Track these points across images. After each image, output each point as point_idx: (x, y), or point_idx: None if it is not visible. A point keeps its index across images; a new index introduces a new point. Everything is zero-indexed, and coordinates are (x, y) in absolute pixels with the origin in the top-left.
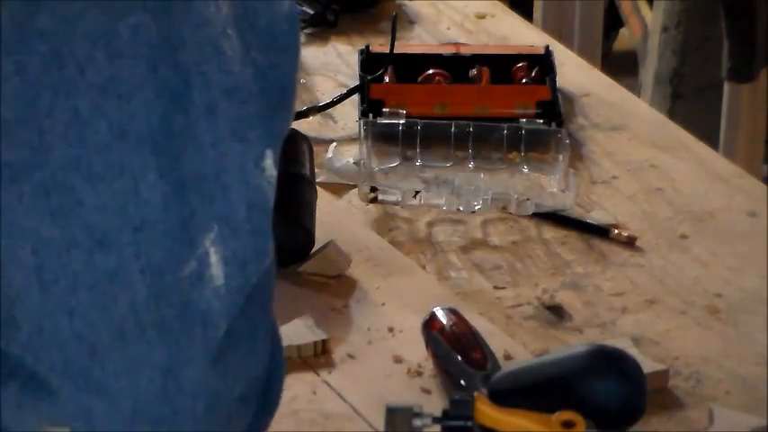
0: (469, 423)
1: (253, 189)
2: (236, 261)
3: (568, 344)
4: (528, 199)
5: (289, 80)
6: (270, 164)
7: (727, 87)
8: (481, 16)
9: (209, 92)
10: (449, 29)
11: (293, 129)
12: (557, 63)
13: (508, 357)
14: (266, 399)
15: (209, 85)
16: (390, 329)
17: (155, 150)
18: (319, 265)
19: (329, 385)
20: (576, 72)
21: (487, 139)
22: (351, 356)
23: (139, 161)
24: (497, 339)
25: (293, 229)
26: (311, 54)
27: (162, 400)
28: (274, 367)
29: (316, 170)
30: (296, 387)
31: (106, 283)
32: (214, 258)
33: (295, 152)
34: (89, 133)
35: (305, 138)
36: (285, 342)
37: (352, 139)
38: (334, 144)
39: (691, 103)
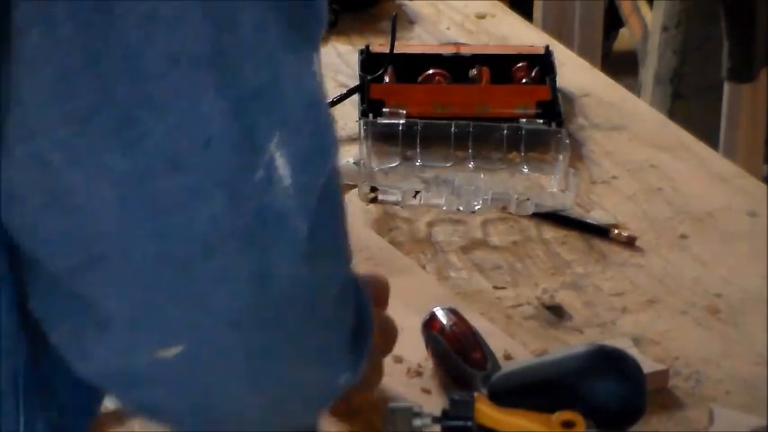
0: (469, 423)
1: (308, 92)
2: (301, 160)
3: (568, 344)
4: (528, 199)
5: None
6: (318, 66)
7: (727, 87)
8: (481, 16)
9: (256, 7)
10: (449, 29)
11: None
12: (557, 63)
13: (508, 357)
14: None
15: (256, 6)
16: None
17: (210, 71)
18: None
19: None
20: (576, 72)
21: (487, 139)
22: None
23: (196, 83)
24: (497, 339)
25: None
26: None
27: (260, 304)
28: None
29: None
30: None
31: (185, 203)
32: (280, 162)
33: None
34: (144, 64)
35: None
36: None
37: (352, 139)
38: None
39: (691, 103)
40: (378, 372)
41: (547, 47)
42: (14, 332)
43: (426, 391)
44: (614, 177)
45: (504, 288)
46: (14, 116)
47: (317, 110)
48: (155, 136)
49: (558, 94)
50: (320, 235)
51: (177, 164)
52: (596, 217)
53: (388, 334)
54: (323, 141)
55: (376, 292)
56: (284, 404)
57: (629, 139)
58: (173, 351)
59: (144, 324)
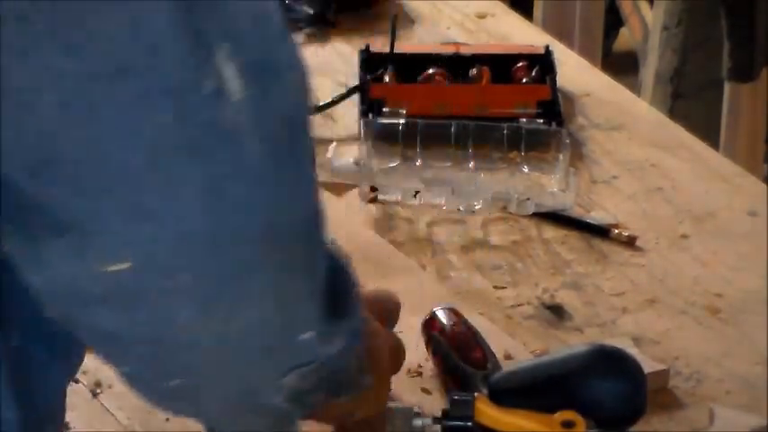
0: (469, 423)
1: (253, 3)
2: (251, 72)
3: (568, 344)
4: (528, 199)
5: None
6: None
7: (727, 87)
8: (481, 16)
9: None
10: (449, 29)
11: None
12: (557, 63)
13: (508, 357)
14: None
15: None
16: None
17: None
18: None
19: None
20: (576, 72)
21: (488, 139)
22: None
23: None
24: (497, 339)
25: None
26: (311, 54)
27: (211, 219)
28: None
29: (316, 170)
30: None
31: (131, 109)
32: (229, 73)
33: None
34: None
35: None
36: None
37: (352, 139)
38: (334, 144)
39: (691, 103)
40: (386, 390)
41: (547, 47)
42: None
43: (426, 391)
44: (614, 177)
45: (504, 288)
46: None
47: (267, 22)
48: (99, 38)
49: (559, 94)
50: (280, 161)
51: (122, 68)
52: (596, 217)
53: (396, 353)
54: (274, 57)
55: (387, 309)
56: (240, 347)
57: (629, 139)
58: (121, 266)
59: (93, 233)
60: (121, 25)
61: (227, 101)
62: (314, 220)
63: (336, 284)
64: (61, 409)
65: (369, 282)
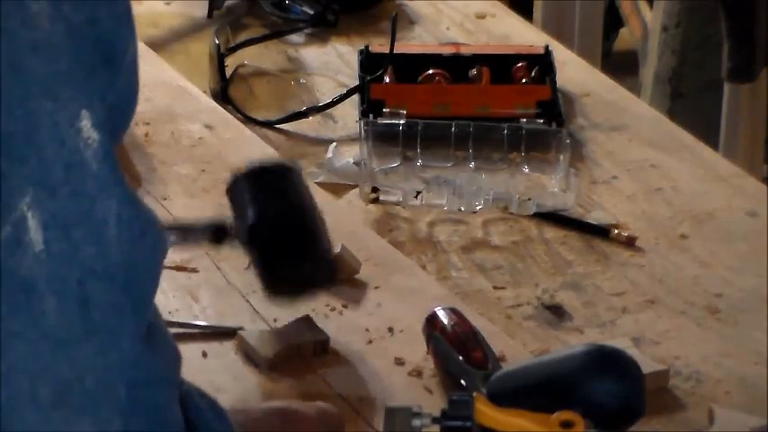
0: (468, 423)
1: (69, 150)
2: (57, 225)
3: (568, 344)
4: (529, 199)
5: (112, 36)
6: (87, 125)
7: (727, 87)
8: (481, 16)
9: (14, 48)
10: (449, 29)
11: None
12: (557, 63)
13: (508, 357)
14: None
15: (12, 41)
16: (390, 329)
17: None
18: None
19: (329, 385)
20: (576, 72)
21: (488, 139)
22: (351, 356)
23: None
24: (497, 339)
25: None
26: (311, 54)
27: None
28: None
29: (316, 170)
30: (297, 387)
31: None
32: (32, 223)
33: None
34: None
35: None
36: (286, 342)
37: (352, 139)
38: (334, 144)
39: (690, 103)
40: None
41: (547, 47)
42: None
43: (426, 391)
44: (614, 177)
45: (504, 288)
46: None
47: (79, 172)
48: None
49: (559, 94)
50: (85, 321)
51: None
52: (596, 217)
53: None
54: (84, 207)
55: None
56: None
57: (629, 139)
58: None
59: None
60: None
61: (24, 250)
62: (119, 384)
63: None
64: None
65: (369, 282)
